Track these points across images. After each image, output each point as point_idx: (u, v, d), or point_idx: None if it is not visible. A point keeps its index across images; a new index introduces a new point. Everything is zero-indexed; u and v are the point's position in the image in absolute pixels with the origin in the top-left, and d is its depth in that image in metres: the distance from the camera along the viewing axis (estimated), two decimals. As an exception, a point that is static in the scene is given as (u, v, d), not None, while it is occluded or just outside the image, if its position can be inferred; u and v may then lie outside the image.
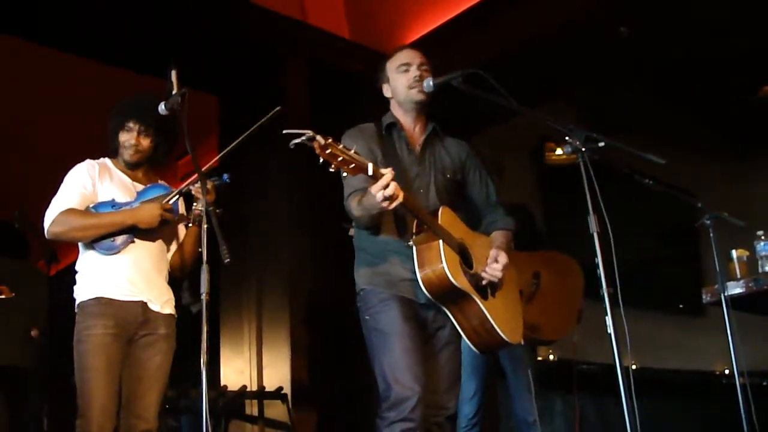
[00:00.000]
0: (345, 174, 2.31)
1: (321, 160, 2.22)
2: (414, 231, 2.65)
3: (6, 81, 5.63)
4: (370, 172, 2.34)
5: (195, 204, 2.94)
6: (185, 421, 4.48)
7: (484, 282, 2.76)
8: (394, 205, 2.40)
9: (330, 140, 2.21)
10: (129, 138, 3.02)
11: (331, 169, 2.26)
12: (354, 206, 2.66)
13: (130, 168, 3.08)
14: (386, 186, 2.35)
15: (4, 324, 4.43)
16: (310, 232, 4.93)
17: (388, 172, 2.37)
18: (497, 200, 3.04)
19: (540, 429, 3.75)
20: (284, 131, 2.19)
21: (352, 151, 2.28)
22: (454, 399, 2.81)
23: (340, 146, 2.24)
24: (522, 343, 2.95)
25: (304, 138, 2.17)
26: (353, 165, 2.28)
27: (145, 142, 3.04)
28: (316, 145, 2.18)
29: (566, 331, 4.01)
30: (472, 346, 2.75)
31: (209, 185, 2.86)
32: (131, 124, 3.02)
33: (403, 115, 2.91)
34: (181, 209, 3.16)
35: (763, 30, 5.16)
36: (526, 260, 3.81)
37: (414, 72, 2.84)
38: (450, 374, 2.79)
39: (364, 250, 2.81)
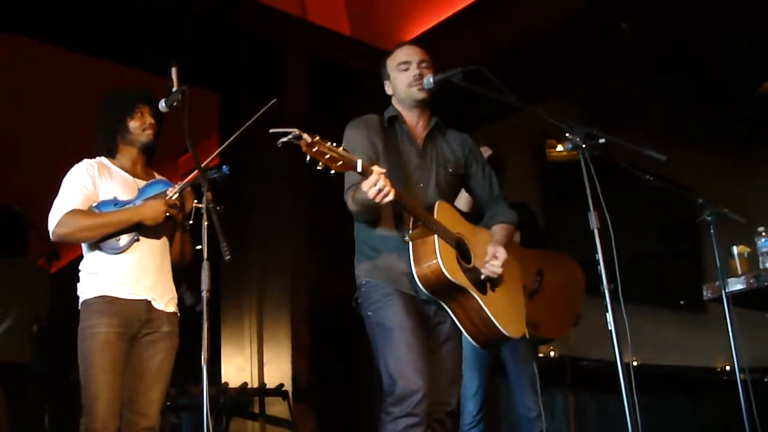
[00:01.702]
0: (333, 171, 2.30)
1: (308, 158, 2.21)
2: (410, 226, 2.65)
3: (6, 80, 5.63)
4: (359, 169, 2.34)
5: (195, 201, 2.94)
6: (186, 418, 4.49)
7: (483, 276, 2.76)
8: (385, 200, 2.39)
9: (317, 138, 2.21)
10: (143, 120, 3.02)
11: (318, 168, 2.25)
12: (350, 201, 2.67)
13: (144, 151, 3.08)
14: (376, 182, 2.35)
15: (5, 321, 4.43)
16: (310, 228, 4.93)
17: (377, 169, 2.37)
18: (499, 193, 3.04)
19: (542, 425, 3.76)
20: (270, 130, 2.20)
21: (341, 149, 2.28)
22: (456, 394, 2.82)
23: (327, 144, 2.24)
24: (527, 336, 2.95)
25: (290, 137, 2.17)
26: (341, 162, 2.27)
27: (155, 121, 3.05)
28: (302, 143, 2.18)
29: (563, 331, 4.05)
30: (472, 341, 2.75)
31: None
32: (141, 107, 3.02)
33: (405, 110, 2.92)
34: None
35: (763, 26, 5.16)
36: (532, 257, 3.82)
37: (414, 70, 2.85)
38: (451, 369, 2.80)
39: (364, 243, 2.81)
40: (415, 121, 2.91)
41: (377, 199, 2.38)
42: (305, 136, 2.18)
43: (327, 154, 2.23)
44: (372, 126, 2.83)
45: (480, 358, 3.78)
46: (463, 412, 3.69)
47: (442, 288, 2.63)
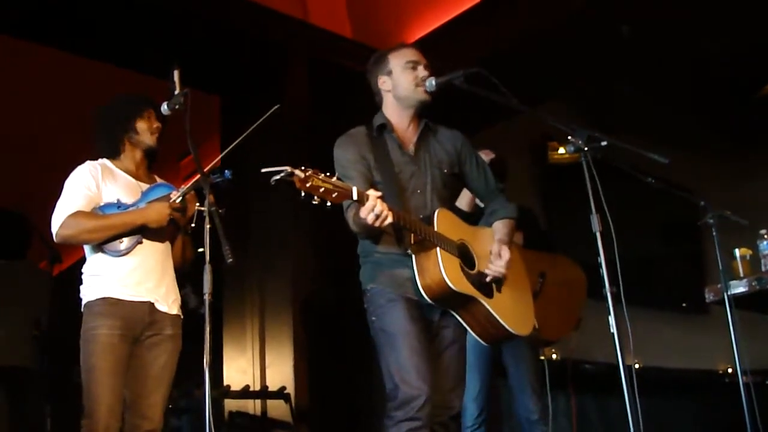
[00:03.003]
0: (329, 204, 2.29)
1: (302, 194, 2.20)
2: (412, 239, 2.65)
3: (6, 81, 5.64)
4: (355, 197, 2.34)
5: (197, 204, 2.94)
6: (186, 420, 4.48)
7: (488, 279, 2.76)
8: (385, 224, 2.40)
9: (309, 172, 2.20)
10: (151, 123, 3.04)
11: (314, 202, 2.24)
12: (350, 222, 2.67)
13: (148, 155, 3.09)
14: (373, 207, 2.36)
15: (5, 324, 4.43)
16: (312, 231, 4.93)
17: (372, 194, 2.38)
18: (496, 186, 3.02)
19: (544, 427, 3.75)
20: (263, 170, 2.19)
21: (334, 179, 2.28)
22: (459, 398, 2.81)
23: (321, 176, 2.23)
24: (537, 326, 2.94)
25: (283, 174, 2.16)
26: (336, 194, 2.27)
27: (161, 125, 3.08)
28: (296, 179, 2.17)
29: (565, 333, 4.05)
30: (481, 341, 2.77)
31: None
32: (149, 110, 3.04)
33: (398, 112, 2.88)
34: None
35: (764, 26, 5.16)
36: (535, 259, 3.82)
37: (422, 71, 2.82)
38: (454, 373, 2.79)
39: (368, 255, 2.81)
40: (405, 124, 2.88)
41: (376, 224, 2.39)
42: (297, 172, 2.17)
43: (321, 187, 2.22)
44: (360, 140, 2.80)
45: (482, 360, 3.78)
46: (464, 415, 3.68)
47: (448, 298, 2.64)
